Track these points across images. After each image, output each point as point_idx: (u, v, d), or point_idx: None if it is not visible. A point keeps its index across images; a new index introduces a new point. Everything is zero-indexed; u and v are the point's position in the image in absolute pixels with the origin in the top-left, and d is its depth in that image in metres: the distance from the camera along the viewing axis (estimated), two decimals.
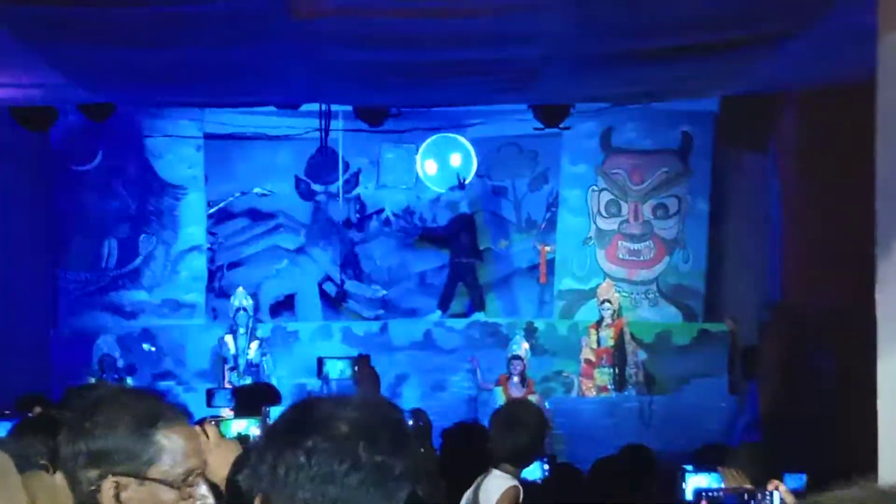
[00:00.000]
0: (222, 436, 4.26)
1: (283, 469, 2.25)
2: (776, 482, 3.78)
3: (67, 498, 1.67)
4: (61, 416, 3.24)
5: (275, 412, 4.76)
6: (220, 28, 7.56)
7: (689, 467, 4.45)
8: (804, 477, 6.23)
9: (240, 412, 5.62)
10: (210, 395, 8.01)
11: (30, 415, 6.90)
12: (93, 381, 15.17)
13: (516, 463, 6.04)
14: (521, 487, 5.96)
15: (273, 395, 7.64)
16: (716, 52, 8.18)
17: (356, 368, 6.21)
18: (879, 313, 5.26)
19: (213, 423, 4.48)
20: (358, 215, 17.67)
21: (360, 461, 2.20)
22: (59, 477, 1.89)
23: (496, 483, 5.80)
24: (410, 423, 6.65)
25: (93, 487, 2.72)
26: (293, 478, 2.24)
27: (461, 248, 17.10)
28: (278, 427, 2.34)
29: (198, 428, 4.35)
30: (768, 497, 3.74)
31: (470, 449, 6.39)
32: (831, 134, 11.28)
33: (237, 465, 3.72)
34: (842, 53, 8.02)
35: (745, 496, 3.78)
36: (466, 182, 17.26)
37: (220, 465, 3.70)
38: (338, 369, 6.26)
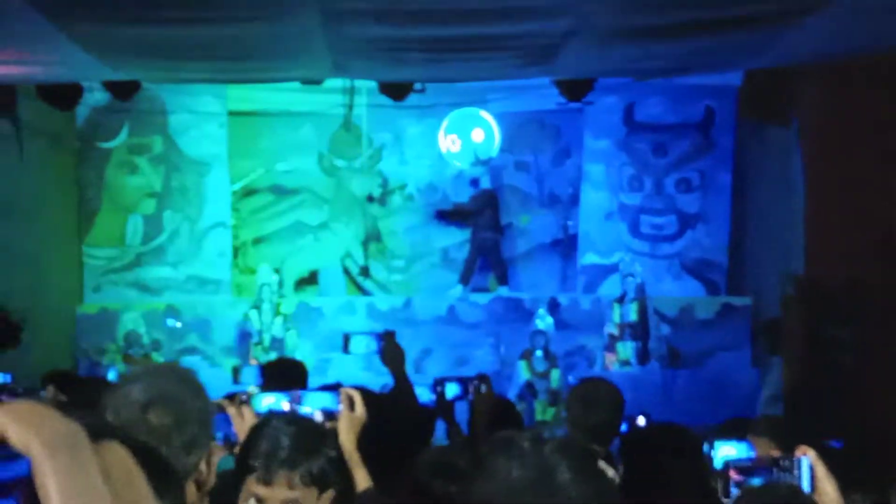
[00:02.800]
0: (256, 414, 4.37)
1: None
2: (805, 448, 3.76)
3: (138, 469, 1.71)
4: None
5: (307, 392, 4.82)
6: (244, 5, 7.58)
7: (714, 436, 4.42)
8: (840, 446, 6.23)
9: (268, 387, 5.64)
10: (236, 371, 8.02)
11: (42, 393, 6.96)
12: (119, 357, 15.29)
13: (600, 442, 5.93)
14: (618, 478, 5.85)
15: (301, 371, 7.67)
16: (740, 26, 8.17)
17: (381, 344, 6.21)
18: None
19: (245, 398, 4.57)
20: (381, 190, 17.69)
21: None
22: None
23: None
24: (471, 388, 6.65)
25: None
26: None
27: (484, 224, 17.11)
28: None
29: (231, 407, 4.43)
30: (797, 463, 3.72)
31: (507, 425, 6.35)
32: (855, 107, 11.25)
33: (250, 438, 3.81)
34: (866, 26, 8.01)
35: (774, 464, 3.76)
36: (488, 158, 17.26)
37: None
38: (363, 345, 6.25)
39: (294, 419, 4.01)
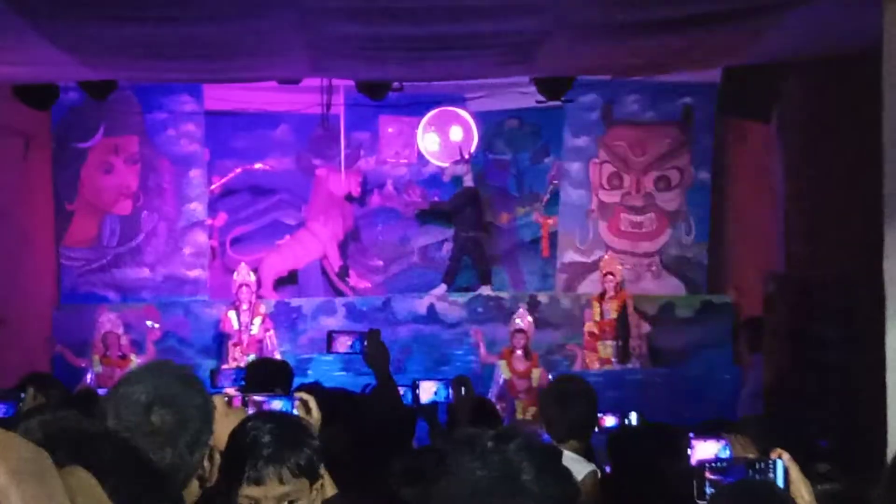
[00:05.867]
0: (229, 406, 4.34)
1: None
2: (780, 450, 3.77)
3: (103, 496, 1.67)
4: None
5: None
6: (222, 3, 7.53)
7: (692, 435, 4.42)
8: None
9: (251, 389, 5.60)
10: (213, 374, 7.96)
11: (23, 395, 6.87)
12: (97, 358, 15.19)
13: (579, 436, 6.00)
14: (598, 470, 5.90)
15: (286, 373, 7.63)
16: (719, 22, 8.14)
17: (365, 343, 6.18)
18: (888, 283, 5.26)
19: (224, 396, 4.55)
20: (360, 189, 17.65)
21: None
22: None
23: (574, 468, 5.69)
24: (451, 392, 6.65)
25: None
26: None
27: (466, 222, 17.08)
28: None
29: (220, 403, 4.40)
30: (772, 465, 3.73)
31: (486, 423, 6.34)
32: (835, 103, 11.24)
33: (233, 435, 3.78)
34: (846, 22, 7.99)
35: (749, 465, 3.76)
36: (469, 156, 17.24)
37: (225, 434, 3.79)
38: (346, 344, 6.22)
39: (270, 416, 4.01)
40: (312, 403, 4.62)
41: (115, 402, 3.18)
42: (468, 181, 17.21)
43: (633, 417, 7.49)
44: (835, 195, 11.18)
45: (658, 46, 9.23)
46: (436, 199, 17.60)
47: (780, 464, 3.72)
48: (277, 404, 4.71)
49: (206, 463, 3.27)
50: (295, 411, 4.58)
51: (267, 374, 7.21)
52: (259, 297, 16.36)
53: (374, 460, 4.90)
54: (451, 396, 6.62)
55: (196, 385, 3.30)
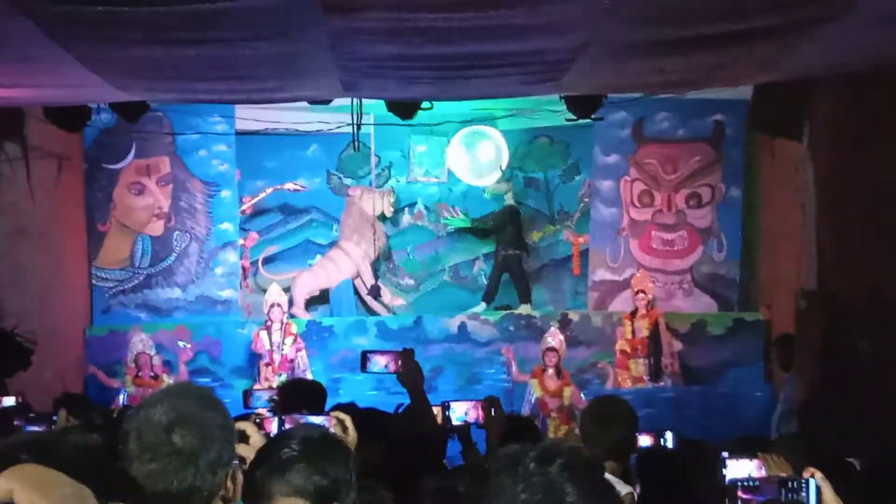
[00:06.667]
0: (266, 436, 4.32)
1: None
2: (812, 469, 3.76)
3: None
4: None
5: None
6: (251, 25, 7.55)
7: (725, 454, 4.41)
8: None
9: (285, 410, 5.59)
10: (247, 395, 7.97)
11: (55, 418, 6.89)
12: (129, 379, 15.24)
13: (618, 458, 5.99)
14: (635, 493, 5.88)
15: (319, 393, 7.61)
16: (751, 39, 8.12)
17: (399, 362, 6.18)
18: None
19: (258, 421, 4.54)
20: (392, 209, 17.67)
21: None
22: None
23: None
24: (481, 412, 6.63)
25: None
26: None
27: (508, 240, 17.12)
28: None
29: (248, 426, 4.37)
30: (804, 485, 3.72)
31: (523, 439, 6.31)
32: (865, 120, 11.20)
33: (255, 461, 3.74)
34: (878, 38, 7.96)
35: (781, 484, 3.75)
36: (504, 174, 17.27)
37: None
38: (381, 363, 6.23)
39: (301, 432, 3.86)
40: (349, 422, 4.60)
41: (137, 424, 3.18)
42: (509, 199, 17.24)
43: (670, 437, 7.45)
44: (865, 212, 11.14)
45: (689, 64, 9.21)
46: (473, 216, 17.62)
47: (812, 482, 3.71)
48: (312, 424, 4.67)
49: (228, 483, 3.25)
50: (332, 430, 4.55)
51: (298, 395, 7.20)
52: (292, 315, 16.40)
53: (407, 479, 4.90)
54: (480, 417, 6.60)
55: (216, 405, 3.29)
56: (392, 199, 17.61)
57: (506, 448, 2.68)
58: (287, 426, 4.78)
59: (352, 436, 4.56)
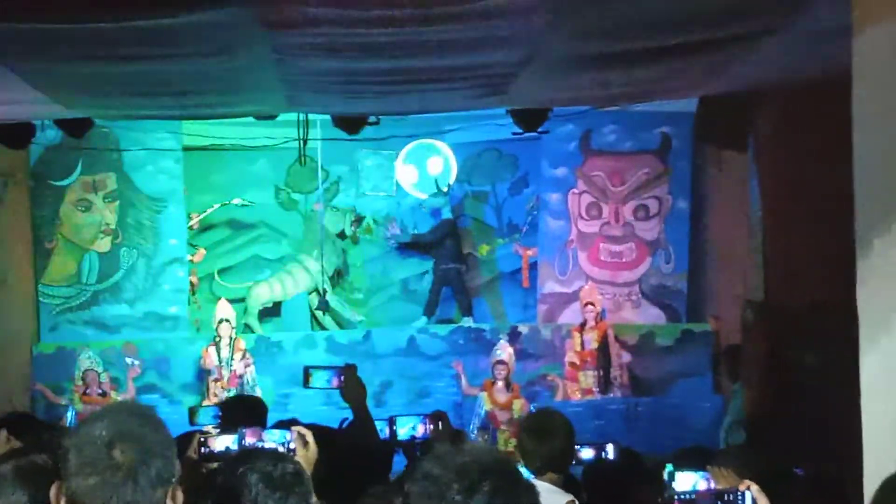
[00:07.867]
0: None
1: None
2: (748, 482, 3.79)
3: None
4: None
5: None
6: (194, 41, 7.52)
7: (670, 466, 4.41)
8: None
9: (226, 426, 5.57)
10: (192, 412, 7.92)
11: None
12: (77, 396, 15.14)
13: (556, 469, 6.04)
14: (575, 500, 5.92)
15: (261, 409, 7.59)
16: (694, 53, 8.17)
17: (342, 378, 6.16)
18: (860, 310, 5.27)
19: (202, 439, 4.53)
20: (352, 226, 17.66)
21: None
22: None
23: (551, 500, 5.50)
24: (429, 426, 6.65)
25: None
26: None
27: (446, 254, 17.13)
28: None
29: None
30: (740, 497, 3.74)
31: None
32: (810, 131, 11.27)
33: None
34: (819, 50, 8.02)
35: (718, 496, 3.78)
36: (447, 188, 17.28)
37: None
38: (324, 379, 6.21)
39: (262, 459, 3.86)
40: (310, 437, 4.63)
41: (77, 440, 3.20)
42: (447, 213, 17.25)
43: (610, 450, 7.50)
44: (810, 223, 11.20)
45: (633, 77, 9.26)
46: (415, 231, 17.63)
47: (748, 495, 3.74)
48: (275, 437, 4.70)
49: (168, 501, 3.26)
50: (292, 445, 4.58)
51: (241, 411, 7.18)
52: (246, 327, 16.38)
53: (350, 494, 4.91)
54: (428, 432, 6.61)
55: (157, 424, 3.30)
56: (353, 218, 17.61)
57: (424, 468, 2.66)
58: (248, 441, 4.80)
59: (312, 450, 4.58)
